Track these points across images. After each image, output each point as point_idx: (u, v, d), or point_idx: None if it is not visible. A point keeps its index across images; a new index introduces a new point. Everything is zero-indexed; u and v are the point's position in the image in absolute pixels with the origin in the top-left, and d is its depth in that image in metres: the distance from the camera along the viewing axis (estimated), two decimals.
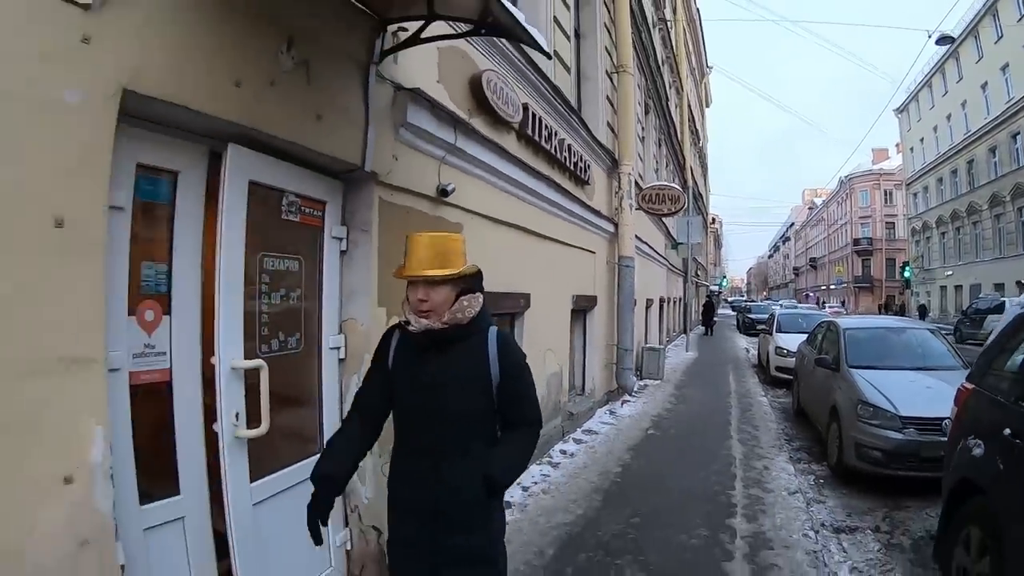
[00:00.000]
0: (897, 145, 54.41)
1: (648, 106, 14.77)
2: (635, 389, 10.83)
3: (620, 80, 9.93)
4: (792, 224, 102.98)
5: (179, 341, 2.63)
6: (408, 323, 2.22)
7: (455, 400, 2.18)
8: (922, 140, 45.49)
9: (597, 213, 8.75)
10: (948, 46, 29.96)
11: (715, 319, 30.32)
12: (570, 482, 5.94)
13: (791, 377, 10.65)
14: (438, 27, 3.41)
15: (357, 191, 3.52)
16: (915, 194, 47.98)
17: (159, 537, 2.53)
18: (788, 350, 12.17)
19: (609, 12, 9.83)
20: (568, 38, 7.72)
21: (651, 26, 13.99)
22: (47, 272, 1.93)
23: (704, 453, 7.09)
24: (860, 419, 5.94)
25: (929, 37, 21.02)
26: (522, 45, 4.80)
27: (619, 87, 9.95)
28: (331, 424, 3.40)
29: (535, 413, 2.35)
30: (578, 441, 7.46)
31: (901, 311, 43.45)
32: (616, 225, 9.84)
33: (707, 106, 40.51)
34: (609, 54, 9.80)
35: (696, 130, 29.70)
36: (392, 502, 2.34)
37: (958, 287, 39.63)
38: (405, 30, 3.58)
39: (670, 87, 19.01)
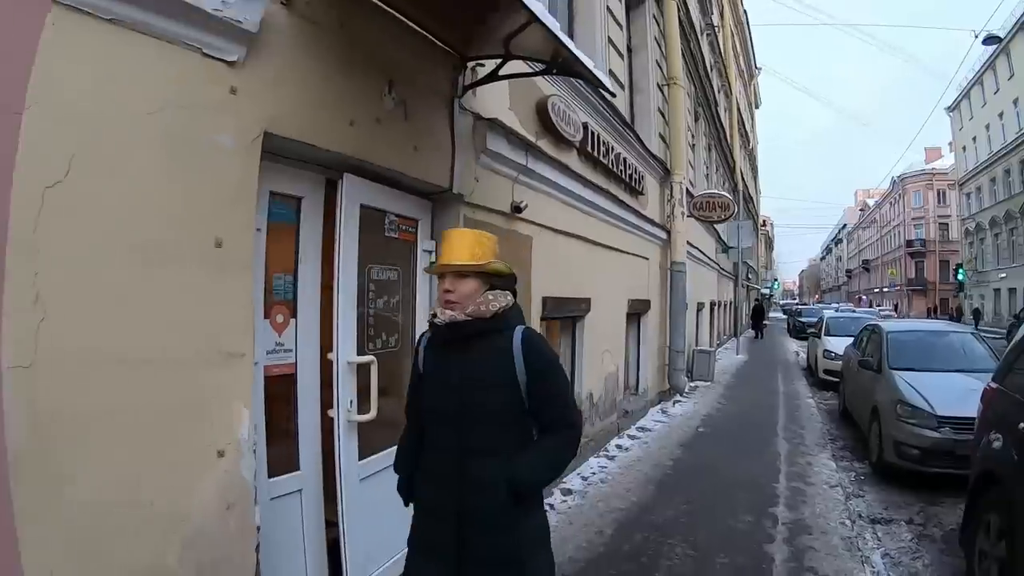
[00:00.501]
0: (950, 143, 52.93)
1: (698, 113, 15.02)
2: (686, 390, 11.15)
3: (671, 92, 10.29)
4: (845, 226, 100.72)
5: (302, 340, 3.14)
6: (435, 316, 2.23)
7: (480, 398, 2.14)
8: (974, 139, 44.43)
9: (650, 221, 9.13)
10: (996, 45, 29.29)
11: (765, 323, 29.98)
12: (625, 473, 6.35)
13: (838, 380, 10.80)
14: (513, 64, 3.86)
15: (444, 209, 4.00)
16: (968, 194, 46.86)
17: (281, 506, 3.02)
18: (836, 353, 12.27)
19: (659, 25, 10.19)
20: (621, 56, 8.11)
21: (699, 33, 14.23)
22: (211, 283, 2.41)
23: (751, 450, 7.42)
24: (899, 418, 6.17)
25: (976, 37, 20.69)
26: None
27: (670, 99, 10.31)
28: None
29: (569, 414, 2.25)
30: (632, 437, 7.85)
31: (957, 315, 42.21)
32: (668, 232, 10.22)
33: (756, 107, 40.14)
34: (659, 66, 10.16)
35: (745, 132, 29.60)
36: (416, 502, 2.33)
37: (1012, 290, 38.80)
38: (482, 65, 4.05)
39: (719, 91, 19.18)
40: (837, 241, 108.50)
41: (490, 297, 2.20)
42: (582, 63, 3.41)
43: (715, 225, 15.43)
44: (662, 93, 10.21)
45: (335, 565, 3.27)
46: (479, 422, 2.14)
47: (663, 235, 10.05)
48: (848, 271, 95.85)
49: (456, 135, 3.92)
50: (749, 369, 15.89)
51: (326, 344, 3.22)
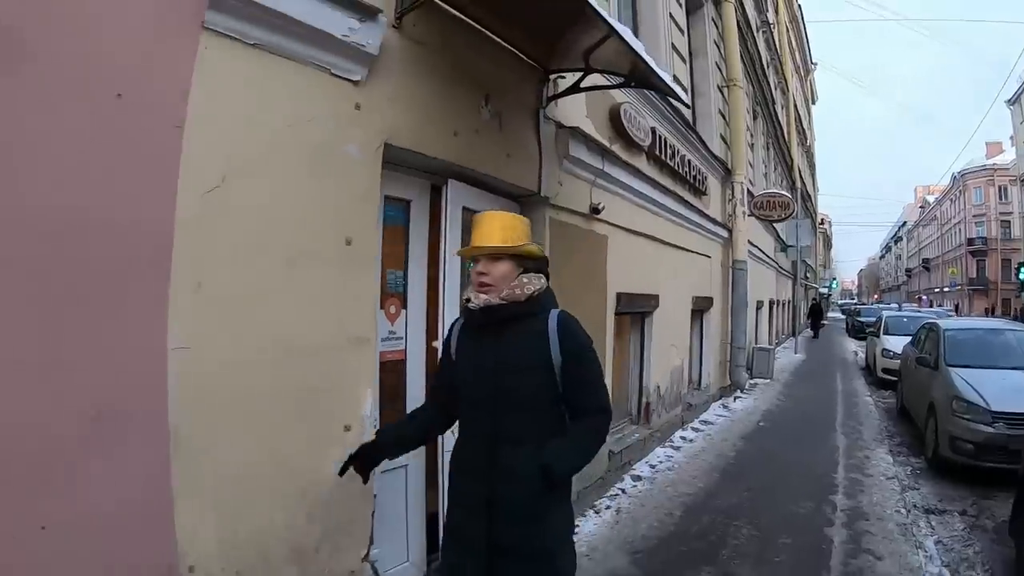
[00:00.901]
0: (1011, 137, 50.96)
1: (756, 112, 15.10)
2: (746, 386, 11.34)
3: (731, 94, 10.56)
4: (904, 223, 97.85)
5: (411, 329, 3.53)
6: (468, 300, 2.22)
7: (513, 384, 2.13)
8: None
9: (713, 220, 9.38)
10: None
11: (824, 322, 29.54)
12: (691, 462, 6.63)
13: (897, 379, 10.82)
14: (592, 77, 4.15)
15: (532, 211, 4.31)
16: None
17: (390, 479, 3.37)
18: (894, 352, 12.21)
19: (717, 28, 10.40)
20: (684, 61, 8.34)
21: (755, 30, 14.31)
22: (342, 277, 2.78)
23: (810, 443, 7.63)
24: (954, 414, 6.32)
25: None
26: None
27: (730, 100, 10.57)
28: None
29: (600, 400, 2.24)
30: (696, 429, 8.11)
31: (1022, 316, 40.70)
32: (730, 231, 10.48)
33: (813, 103, 39.50)
34: (719, 68, 10.39)
35: (803, 129, 29.14)
36: (449, 491, 2.33)
37: None
38: (563, 77, 4.36)
39: (775, 88, 19.14)
40: (897, 239, 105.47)
41: (524, 280, 2.19)
42: (658, 76, 3.68)
43: (774, 224, 15.45)
44: (722, 95, 10.43)
45: (431, 537, 3.63)
46: (513, 407, 2.13)
47: (725, 234, 10.28)
48: (908, 270, 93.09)
49: (542, 142, 4.26)
50: (808, 368, 15.92)
51: (431, 333, 3.59)
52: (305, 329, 2.62)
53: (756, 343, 14.10)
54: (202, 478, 2.26)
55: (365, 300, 2.92)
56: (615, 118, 5.49)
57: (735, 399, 10.37)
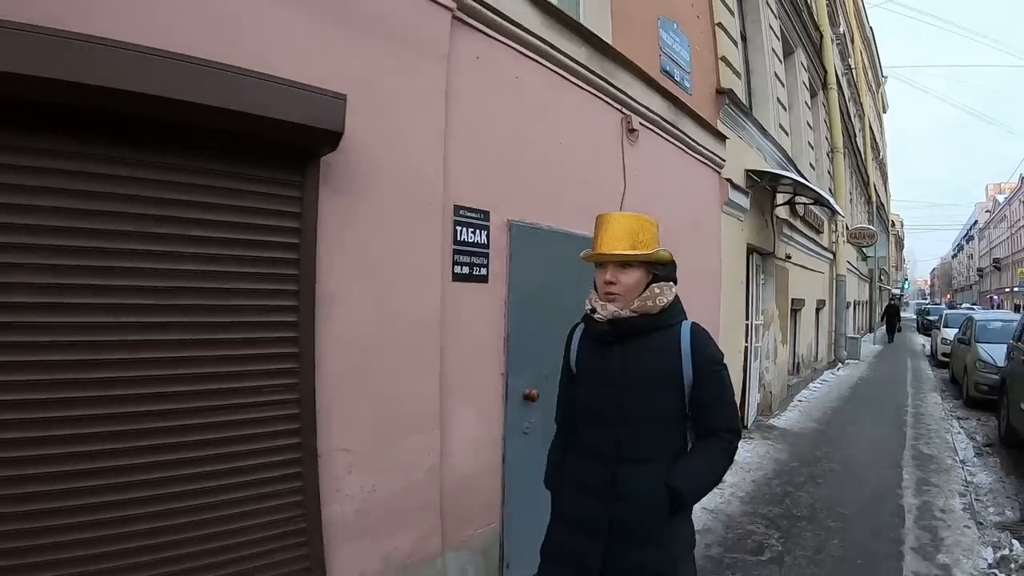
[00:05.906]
0: None
1: (844, 152, 18.85)
2: (844, 362, 15.98)
3: (835, 159, 15.16)
4: (975, 222, 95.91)
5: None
6: (594, 311, 2.02)
7: (642, 401, 1.95)
8: None
9: (824, 248, 14.04)
10: None
11: (900, 325, 29.16)
12: (824, 395, 11.58)
13: (949, 359, 15.01)
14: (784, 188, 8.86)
15: (768, 260, 9.16)
16: None
17: None
18: (949, 339, 15.86)
19: (826, 108, 14.91)
20: (812, 148, 12.90)
21: (839, 77, 17.32)
22: (739, 294, 7.65)
23: (891, 390, 12.54)
24: (978, 369, 10.58)
25: None
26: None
27: (834, 164, 15.17)
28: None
29: (731, 420, 2.02)
30: (820, 383, 12.94)
31: None
32: (834, 254, 15.08)
33: (884, 112, 38.86)
34: (826, 140, 14.93)
35: (876, 144, 30.43)
36: (560, 508, 2.15)
37: None
38: (779, 191, 9.00)
39: (854, 117, 21.37)
40: (968, 238, 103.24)
41: (656, 291, 1.99)
42: (830, 202, 8.40)
43: (862, 248, 19.76)
44: (829, 159, 14.98)
45: None
46: (637, 424, 1.96)
47: (830, 255, 14.85)
48: (979, 270, 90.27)
49: (773, 228, 8.97)
50: (884, 354, 20.78)
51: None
52: (734, 312, 7.43)
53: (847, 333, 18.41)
54: None
55: (742, 304, 7.70)
56: (791, 204, 10.07)
57: (838, 369, 15.12)
